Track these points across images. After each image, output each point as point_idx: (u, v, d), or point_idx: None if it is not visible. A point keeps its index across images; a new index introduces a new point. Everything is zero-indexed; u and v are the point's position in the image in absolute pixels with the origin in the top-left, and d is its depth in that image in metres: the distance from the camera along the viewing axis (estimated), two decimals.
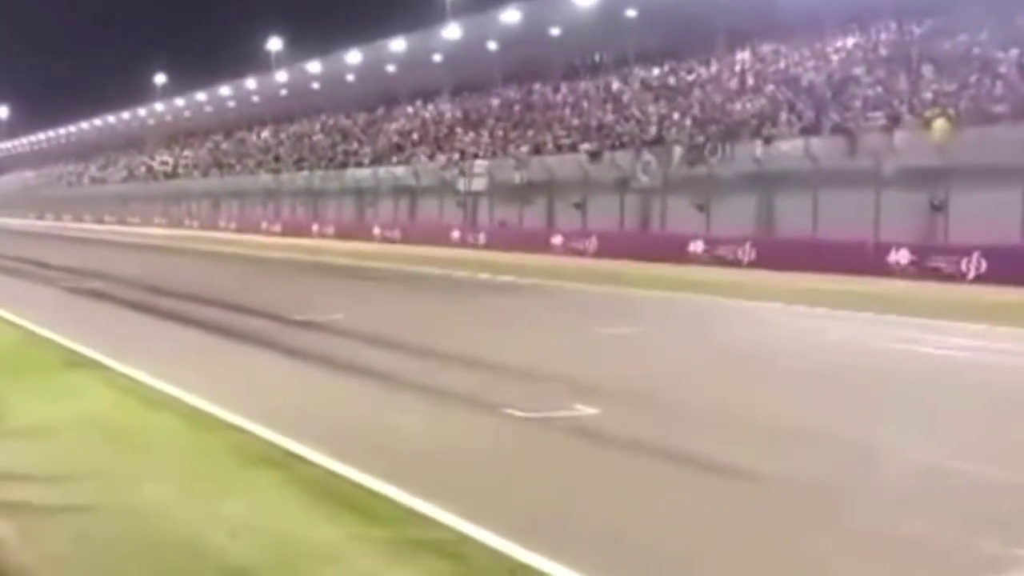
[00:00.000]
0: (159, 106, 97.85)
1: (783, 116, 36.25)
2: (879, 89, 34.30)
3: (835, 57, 38.96)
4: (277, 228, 63.85)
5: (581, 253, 38.91)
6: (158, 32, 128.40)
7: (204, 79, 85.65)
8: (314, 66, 73.61)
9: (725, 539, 6.06)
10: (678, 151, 38.67)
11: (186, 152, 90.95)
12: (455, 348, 13.59)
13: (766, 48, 43.43)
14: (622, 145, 42.00)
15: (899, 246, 28.96)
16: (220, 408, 9.15)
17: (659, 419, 9.39)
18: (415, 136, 60.31)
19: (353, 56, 68.24)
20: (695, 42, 47.12)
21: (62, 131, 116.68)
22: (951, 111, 30.41)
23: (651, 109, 43.93)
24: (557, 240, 41.29)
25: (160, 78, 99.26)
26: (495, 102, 57.75)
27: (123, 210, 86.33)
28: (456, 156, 52.31)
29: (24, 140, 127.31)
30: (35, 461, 7.43)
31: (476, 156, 50.84)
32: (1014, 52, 31.35)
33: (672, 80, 46.47)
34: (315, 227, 60.08)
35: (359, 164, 61.17)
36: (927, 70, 33.56)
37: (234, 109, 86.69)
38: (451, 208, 49.86)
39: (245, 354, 13.36)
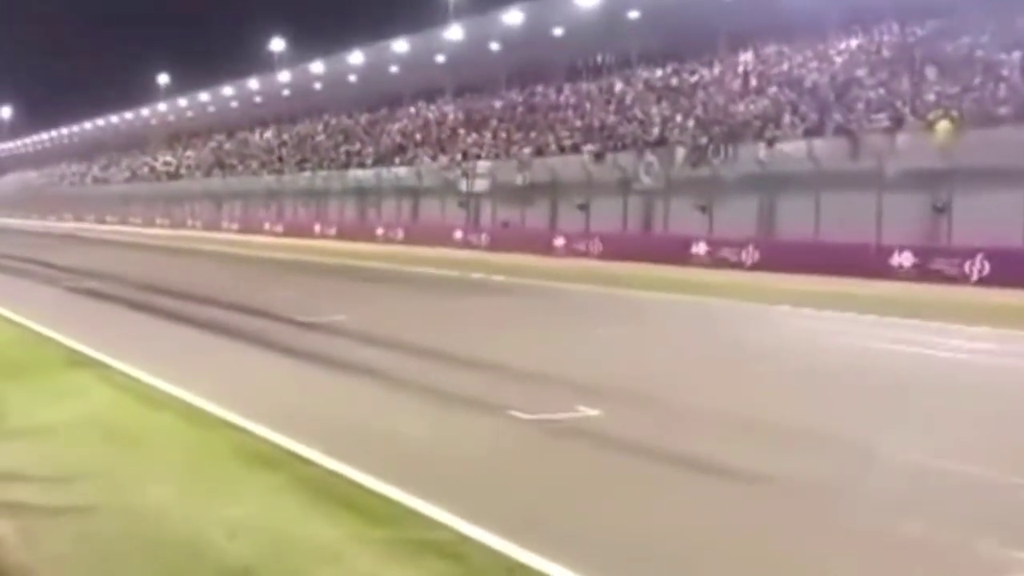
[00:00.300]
0: (162, 106, 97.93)
1: (786, 118, 36.23)
2: (882, 91, 34.27)
3: (838, 59, 38.94)
4: (279, 229, 63.89)
5: (584, 254, 38.91)
6: (161, 32, 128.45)
7: (207, 79, 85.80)
8: (317, 66, 73.65)
9: (725, 540, 6.06)
10: (681, 152, 38.66)
11: (189, 152, 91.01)
12: (457, 349, 13.57)
13: (769, 49, 43.43)
14: (625, 146, 42.00)
15: (902, 248, 28.94)
16: (221, 408, 9.14)
17: (661, 421, 9.37)
18: (418, 137, 60.32)
19: (356, 57, 68.28)
20: (698, 43, 47.10)
21: (64, 131, 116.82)
22: (954, 113, 30.38)
23: (654, 110, 43.91)
24: (560, 241, 41.30)
25: (163, 78, 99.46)
26: (498, 103, 57.75)
27: (125, 210, 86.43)
28: (459, 157, 52.32)
29: (27, 140, 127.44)
30: (36, 461, 7.42)
31: (479, 157, 50.86)
32: (1017, 54, 31.33)
33: (675, 81, 46.45)
34: (317, 228, 60.12)
35: (362, 165, 61.19)
36: (930, 72, 33.53)
37: (237, 109, 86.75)
38: (454, 209, 49.88)
39: (246, 354, 13.34)
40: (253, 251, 42.04)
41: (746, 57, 44.32)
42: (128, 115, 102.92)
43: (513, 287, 25.48)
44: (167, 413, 9.04)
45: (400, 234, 51.95)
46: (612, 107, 47.57)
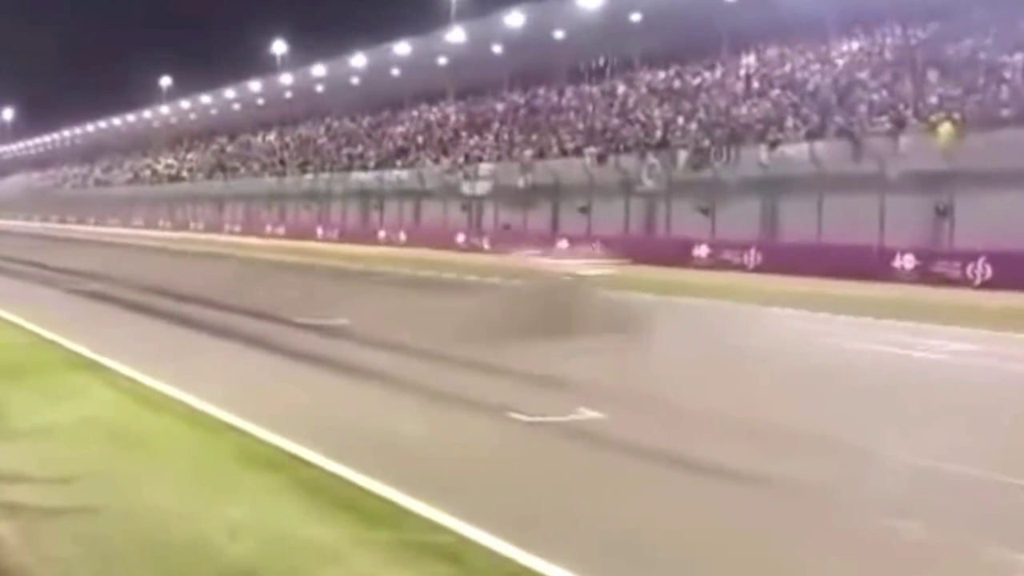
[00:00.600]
0: (164, 108, 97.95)
1: (788, 120, 36.23)
2: (884, 93, 34.27)
3: (840, 61, 38.93)
4: (281, 231, 63.95)
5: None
6: (163, 34, 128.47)
7: (209, 82, 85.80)
8: (319, 69, 73.66)
9: (726, 541, 6.06)
10: (683, 155, 38.68)
11: (191, 155, 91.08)
12: (460, 351, 13.54)
13: (771, 52, 43.43)
14: (627, 149, 42.01)
15: (904, 251, 28.92)
16: (222, 410, 9.13)
17: (663, 423, 9.35)
18: (420, 140, 60.34)
19: (358, 59, 68.28)
20: (700, 46, 47.08)
21: (67, 133, 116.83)
22: (956, 115, 30.37)
23: (656, 113, 43.92)
24: (562, 244, 41.23)
25: (165, 80, 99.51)
26: (500, 105, 57.78)
27: (128, 213, 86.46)
28: (461, 160, 52.35)
29: (29, 142, 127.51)
30: (37, 462, 7.41)
31: (481, 160, 50.88)
32: (1019, 56, 31.31)
33: (677, 84, 46.46)
34: (320, 230, 60.14)
35: (364, 167, 61.22)
36: (932, 74, 33.53)
37: (239, 112, 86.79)
38: (456, 212, 49.89)
39: (247, 356, 13.34)
40: (255, 253, 42.03)
41: (748, 60, 44.33)
42: (130, 117, 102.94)
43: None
44: (168, 415, 9.03)
45: (402, 237, 51.95)
46: (614, 110, 47.58)
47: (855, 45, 39.79)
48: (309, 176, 65.93)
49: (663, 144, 40.38)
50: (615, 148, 42.72)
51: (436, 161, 54.67)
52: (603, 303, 15.99)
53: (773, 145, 35.31)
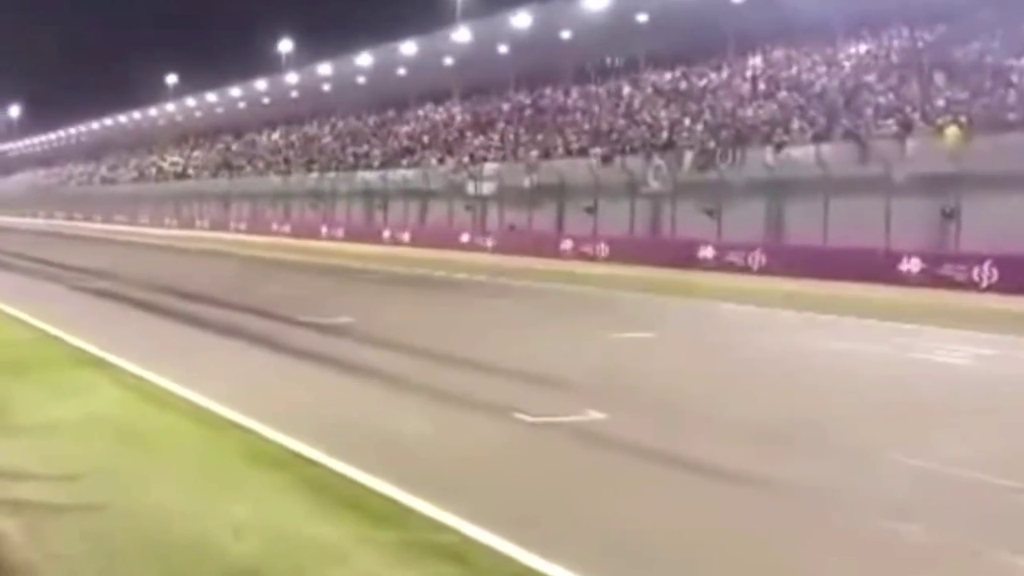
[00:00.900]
0: (170, 106, 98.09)
1: (794, 122, 36.18)
2: (891, 96, 34.22)
3: (847, 64, 38.90)
4: (287, 230, 63.98)
5: (591, 258, 38.87)
6: (169, 32, 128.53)
7: (215, 80, 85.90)
8: (324, 68, 73.70)
9: (726, 542, 6.05)
10: (689, 156, 38.65)
11: (196, 153, 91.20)
12: (464, 351, 13.55)
13: (778, 54, 43.40)
14: (633, 150, 41.99)
15: (910, 254, 28.85)
16: (226, 408, 9.13)
17: (668, 424, 9.35)
18: (425, 139, 60.35)
19: (364, 58, 68.29)
20: (707, 47, 47.08)
21: (73, 131, 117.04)
22: (963, 118, 30.31)
23: (662, 114, 43.90)
24: (567, 244, 41.26)
25: (171, 78, 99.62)
26: (505, 105, 57.77)
27: (133, 210, 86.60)
28: (466, 159, 52.34)
29: (35, 140, 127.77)
30: (42, 459, 7.41)
31: (486, 160, 50.88)
32: None
33: (683, 85, 46.43)
34: (324, 229, 60.17)
35: (369, 167, 61.24)
36: (939, 77, 33.48)
37: (245, 110, 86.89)
38: (461, 212, 49.87)
39: (252, 354, 13.33)
40: (260, 252, 42.07)
41: (755, 61, 44.29)
42: (136, 115, 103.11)
43: (519, 290, 25.45)
44: (173, 412, 9.03)
45: (407, 236, 51.96)
46: (620, 110, 47.56)
47: (862, 47, 39.75)
48: (314, 175, 65.97)
49: (669, 145, 40.36)
50: (621, 149, 42.70)
51: (441, 161, 54.67)
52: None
53: (779, 147, 35.27)
